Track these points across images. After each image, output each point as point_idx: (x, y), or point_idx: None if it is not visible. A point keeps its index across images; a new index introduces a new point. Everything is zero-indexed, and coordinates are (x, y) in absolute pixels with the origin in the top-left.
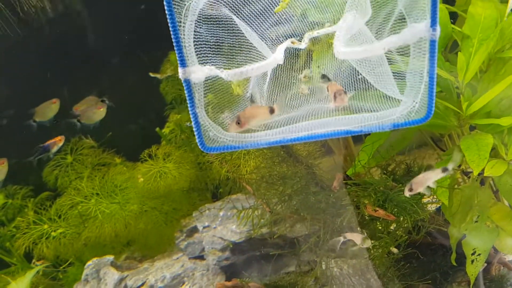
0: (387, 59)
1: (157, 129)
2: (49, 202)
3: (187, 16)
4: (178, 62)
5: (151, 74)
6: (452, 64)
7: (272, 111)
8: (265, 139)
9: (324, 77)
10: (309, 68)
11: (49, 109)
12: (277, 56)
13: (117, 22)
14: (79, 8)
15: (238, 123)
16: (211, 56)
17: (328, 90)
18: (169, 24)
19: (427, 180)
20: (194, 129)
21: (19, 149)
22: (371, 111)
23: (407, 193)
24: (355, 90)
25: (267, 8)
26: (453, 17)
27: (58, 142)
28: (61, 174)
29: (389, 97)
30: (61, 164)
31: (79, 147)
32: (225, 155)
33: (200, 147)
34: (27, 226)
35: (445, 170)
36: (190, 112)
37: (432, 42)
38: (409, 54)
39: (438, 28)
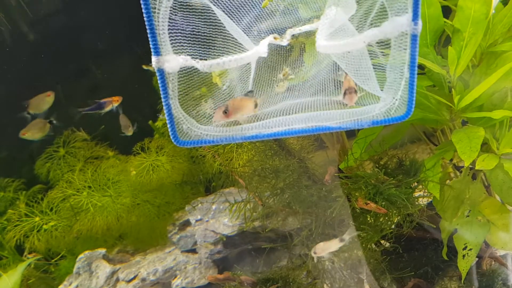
0: (369, 54)
1: (150, 122)
2: (40, 195)
3: (161, 2)
4: (152, 50)
5: (144, 67)
6: (445, 58)
7: (256, 105)
8: (240, 134)
9: (340, 70)
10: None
11: (44, 102)
12: (260, 49)
13: (109, 14)
14: (72, 0)
15: (225, 112)
16: (186, 46)
17: (343, 81)
18: (143, 9)
19: (328, 248)
20: (167, 121)
21: (11, 141)
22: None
23: (313, 255)
24: (335, 87)
25: (248, 1)
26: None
27: (114, 102)
28: (53, 167)
29: (370, 93)
30: (53, 157)
31: (72, 140)
32: (217, 148)
33: (173, 140)
34: (19, 218)
35: (342, 240)
36: (163, 104)
37: (414, 37)
38: (389, 48)
39: (419, 22)
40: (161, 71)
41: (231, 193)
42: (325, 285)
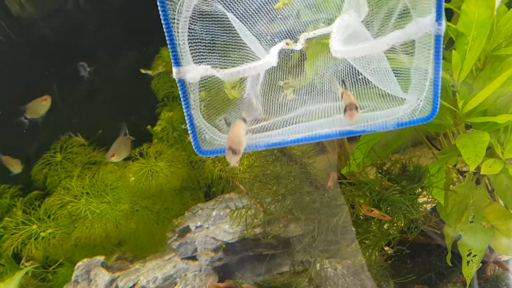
0: (391, 57)
1: (149, 126)
2: (38, 201)
3: (181, 12)
4: (172, 61)
5: (143, 71)
6: (448, 62)
7: (244, 119)
8: (264, 141)
9: (342, 83)
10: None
11: (40, 106)
12: (271, 58)
13: (108, 17)
14: (70, 3)
15: (234, 153)
16: (206, 55)
17: (342, 97)
18: (162, 21)
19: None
20: (189, 132)
21: (7, 147)
22: (374, 110)
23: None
24: (354, 89)
25: (262, 6)
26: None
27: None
28: (50, 172)
29: (391, 95)
30: (50, 162)
31: (69, 145)
32: None
33: (196, 150)
34: (16, 226)
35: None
36: (185, 114)
37: (438, 37)
38: (413, 52)
39: (443, 22)
40: (182, 81)
41: (232, 198)
42: None
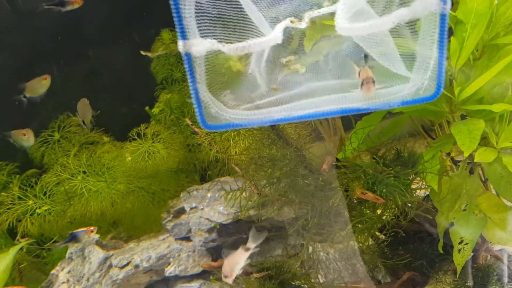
0: (396, 35)
1: (147, 108)
2: (34, 178)
3: None
4: (178, 34)
5: (142, 52)
6: (447, 50)
7: (247, 249)
8: (269, 116)
9: (364, 58)
10: (296, 53)
11: (40, 85)
12: (276, 34)
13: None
14: None
15: (226, 277)
16: (212, 29)
17: (358, 75)
18: None
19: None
20: (194, 106)
21: (5, 125)
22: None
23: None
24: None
25: None
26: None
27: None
28: (48, 151)
29: (395, 74)
30: (48, 141)
31: (67, 124)
32: (214, 136)
33: (200, 124)
34: (12, 201)
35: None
36: (190, 88)
37: (443, 16)
38: (418, 31)
39: (449, 1)
40: (188, 55)
41: (227, 181)
42: (319, 275)
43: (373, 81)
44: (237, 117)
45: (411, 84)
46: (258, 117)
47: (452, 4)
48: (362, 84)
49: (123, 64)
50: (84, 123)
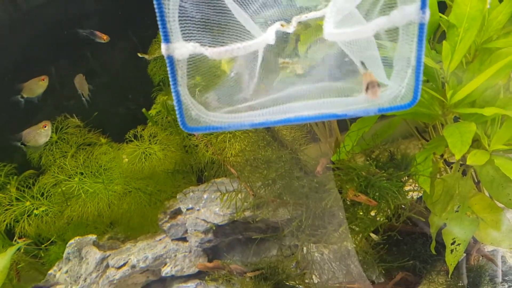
0: (376, 43)
1: (143, 110)
2: (32, 180)
3: None
4: (162, 37)
5: (139, 55)
6: (439, 53)
7: None
8: (248, 120)
9: (362, 64)
10: (295, 54)
11: (37, 86)
12: (268, 36)
13: (105, 1)
14: None
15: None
16: (195, 33)
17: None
18: None
19: None
20: (175, 108)
21: (3, 126)
22: (357, 94)
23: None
24: (342, 74)
25: None
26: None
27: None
28: (45, 152)
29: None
30: (46, 142)
31: (65, 126)
32: (210, 138)
33: (181, 126)
34: (9, 202)
35: None
36: (172, 90)
37: (421, 26)
38: (397, 39)
39: (427, 11)
40: (171, 57)
41: (223, 183)
42: (313, 276)
43: (378, 85)
44: (217, 119)
45: (389, 91)
46: (238, 120)
47: (446, 7)
48: (367, 88)
49: (120, 66)
50: (82, 95)
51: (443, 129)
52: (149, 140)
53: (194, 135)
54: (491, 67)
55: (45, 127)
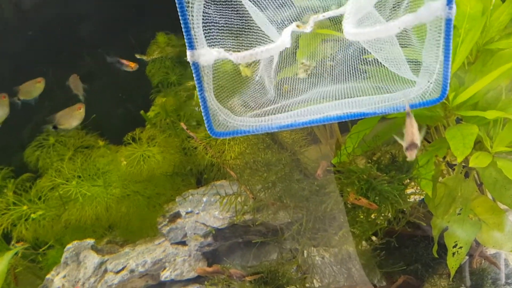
0: (403, 41)
1: (142, 112)
2: (29, 183)
3: None
4: (187, 44)
5: (137, 56)
6: None
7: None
8: (276, 123)
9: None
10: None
11: (34, 88)
12: (284, 39)
13: (104, 2)
14: None
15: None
16: (219, 38)
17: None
18: (177, 4)
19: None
20: (203, 114)
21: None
22: (384, 92)
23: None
24: (365, 73)
25: None
26: None
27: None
28: (42, 155)
29: (401, 78)
30: (43, 145)
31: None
32: (209, 140)
33: (208, 131)
34: (6, 207)
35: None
36: (199, 96)
37: (448, 21)
38: (424, 36)
39: (454, 6)
40: (196, 64)
41: (223, 185)
42: (314, 280)
43: (416, 146)
44: (244, 124)
45: (418, 87)
46: (266, 124)
47: None
48: (407, 148)
49: (118, 68)
50: (78, 96)
51: (445, 131)
52: (148, 143)
53: (193, 137)
54: (494, 72)
55: (80, 109)
